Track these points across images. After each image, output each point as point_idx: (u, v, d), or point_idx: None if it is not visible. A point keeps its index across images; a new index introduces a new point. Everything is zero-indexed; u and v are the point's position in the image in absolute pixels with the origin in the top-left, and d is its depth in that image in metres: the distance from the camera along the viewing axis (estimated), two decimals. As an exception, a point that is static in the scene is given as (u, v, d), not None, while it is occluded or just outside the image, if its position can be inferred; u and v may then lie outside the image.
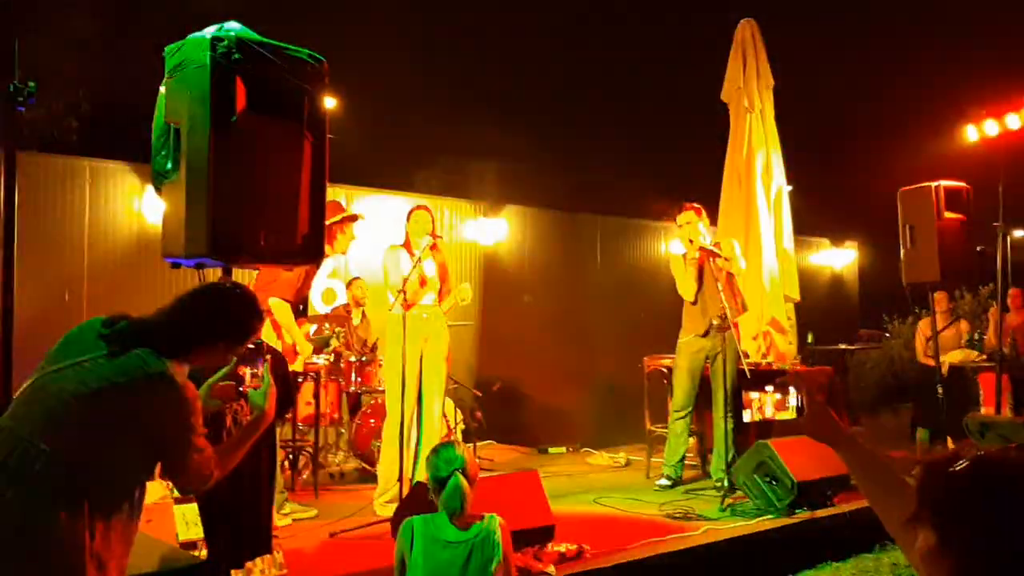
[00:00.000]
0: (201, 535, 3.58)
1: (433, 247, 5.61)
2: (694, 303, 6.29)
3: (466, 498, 3.06)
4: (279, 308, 5.09)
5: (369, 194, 8.51)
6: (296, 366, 5.44)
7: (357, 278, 7.57)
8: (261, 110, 3.07)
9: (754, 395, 1.61)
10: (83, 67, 11.10)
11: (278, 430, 5.02)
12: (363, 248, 7.69)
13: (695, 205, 6.31)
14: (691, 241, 6.21)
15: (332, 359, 6.94)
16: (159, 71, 3.20)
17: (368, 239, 7.80)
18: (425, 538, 3.06)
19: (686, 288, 6.29)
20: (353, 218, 5.44)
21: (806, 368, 7.26)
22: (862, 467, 1.82)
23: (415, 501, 3.41)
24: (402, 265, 5.51)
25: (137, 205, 6.96)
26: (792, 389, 1.89)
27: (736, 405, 1.68)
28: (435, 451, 3.24)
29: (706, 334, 6.20)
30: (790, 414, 1.67)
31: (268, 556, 3.70)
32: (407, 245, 5.65)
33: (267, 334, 5.13)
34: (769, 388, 1.61)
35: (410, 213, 5.78)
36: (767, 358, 7.54)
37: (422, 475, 4.06)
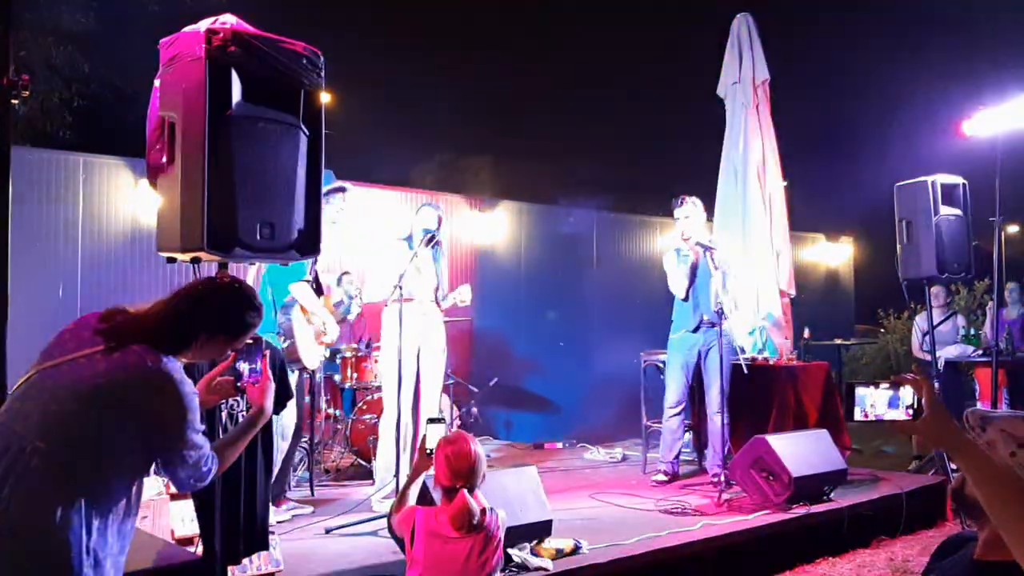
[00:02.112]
0: (197, 531, 3.56)
1: (435, 243, 5.60)
2: (685, 300, 6.28)
3: (472, 517, 3.03)
4: (301, 290, 5.15)
5: (365, 189, 8.46)
6: (326, 347, 5.53)
7: (346, 272, 7.53)
8: (257, 104, 3.05)
9: (864, 391, 1.55)
10: (77, 62, 11.06)
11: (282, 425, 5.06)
12: (358, 244, 7.68)
13: (694, 199, 6.29)
14: (685, 238, 6.19)
15: (327, 355, 6.91)
16: (153, 65, 3.18)
17: (362, 235, 7.79)
18: (426, 532, 3.04)
19: (678, 285, 6.27)
20: (340, 189, 5.44)
21: (803, 363, 7.26)
22: (989, 480, 1.63)
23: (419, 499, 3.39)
24: (399, 259, 5.49)
25: (131, 200, 6.92)
26: (908, 388, 1.76)
27: (847, 402, 1.62)
28: (448, 442, 3.18)
29: (696, 329, 6.20)
30: (901, 415, 1.59)
31: (264, 552, 3.69)
32: (410, 240, 5.63)
33: (298, 318, 5.19)
34: (884, 385, 1.55)
35: (418, 209, 5.77)
36: (763, 353, 7.54)
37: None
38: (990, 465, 1.66)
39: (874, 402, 1.78)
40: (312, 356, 5.38)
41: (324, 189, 5.21)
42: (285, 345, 5.16)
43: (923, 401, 1.71)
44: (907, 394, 1.74)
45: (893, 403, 1.76)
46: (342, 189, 5.47)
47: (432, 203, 5.85)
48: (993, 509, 1.63)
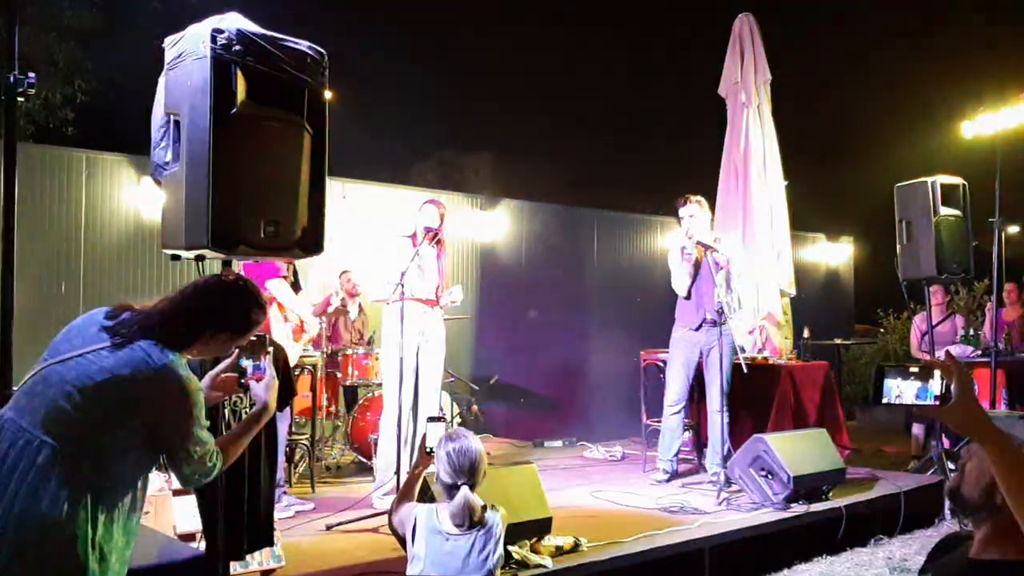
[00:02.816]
0: (199, 527, 3.58)
1: (437, 242, 5.63)
2: (687, 298, 6.30)
3: (473, 513, 3.06)
4: (279, 287, 5.17)
5: (366, 187, 8.49)
6: (304, 343, 5.53)
7: (346, 271, 7.55)
8: (261, 102, 3.06)
9: (894, 380, 1.54)
10: (79, 58, 11.07)
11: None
12: (357, 241, 7.70)
13: (699, 198, 6.31)
14: (689, 236, 6.20)
15: (328, 352, 6.95)
16: (155, 62, 3.20)
17: (363, 232, 7.81)
18: (427, 530, 3.07)
19: (680, 283, 6.29)
20: None
21: (802, 363, 7.29)
22: (1013, 469, 1.63)
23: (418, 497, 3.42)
24: (402, 257, 5.51)
25: (133, 197, 6.95)
26: (937, 374, 1.75)
27: (876, 387, 1.62)
28: (449, 439, 3.20)
29: (698, 328, 6.22)
30: (928, 403, 1.58)
31: (266, 548, 3.72)
32: (413, 237, 5.65)
33: (275, 316, 5.20)
34: (913, 369, 1.54)
35: (420, 207, 5.78)
36: (762, 352, 7.57)
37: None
38: (1016, 454, 1.65)
39: (901, 392, 1.78)
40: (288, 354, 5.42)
41: None
42: None
43: (952, 387, 1.70)
44: (935, 383, 1.74)
45: (921, 393, 1.76)
46: None
47: (434, 200, 5.85)
48: (1016, 498, 1.63)
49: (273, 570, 3.81)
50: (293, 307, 5.37)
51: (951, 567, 1.97)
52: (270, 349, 2.59)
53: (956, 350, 8.18)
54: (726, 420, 6.09)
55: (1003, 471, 1.65)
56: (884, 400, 1.79)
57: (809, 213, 11.46)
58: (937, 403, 1.74)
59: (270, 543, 3.55)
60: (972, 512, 1.85)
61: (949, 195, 6.48)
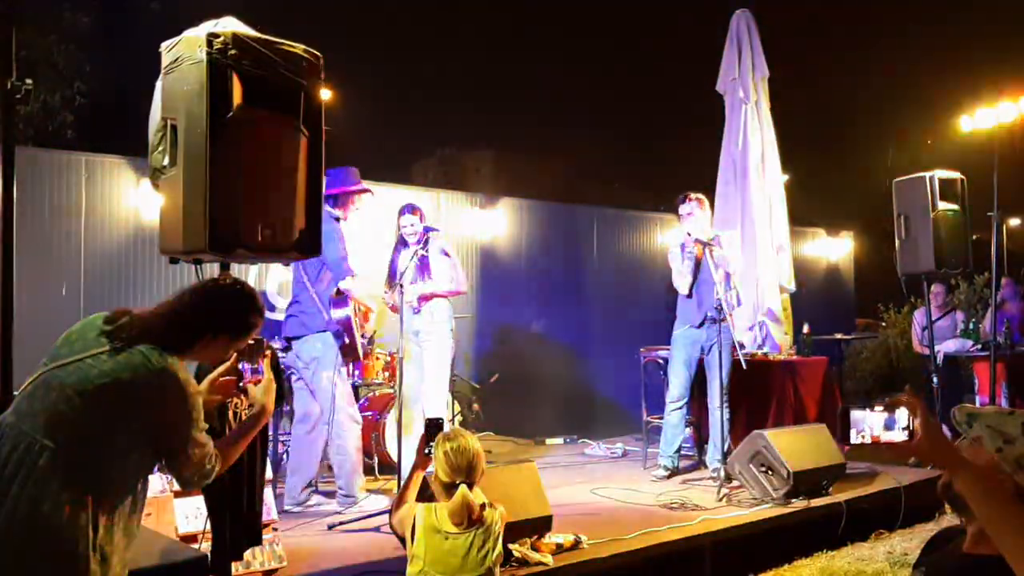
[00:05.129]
0: (201, 528, 3.60)
1: (423, 244, 5.69)
2: (688, 296, 6.32)
3: (471, 512, 3.08)
4: (353, 284, 5.24)
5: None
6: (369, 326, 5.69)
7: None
8: (257, 106, 3.07)
9: (860, 414, 1.53)
10: (78, 60, 11.09)
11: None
12: (358, 241, 7.71)
13: (699, 196, 6.33)
14: (688, 233, 6.22)
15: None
16: (154, 65, 3.21)
17: (363, 232, 7.82)
18: (426, 528, 3.09)
19: (681, 281, 6.31)
20: (365, 190, 5.52)
21: (802, 358, 7.29)
22: (984, 497, 1.65)
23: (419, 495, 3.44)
24: (401, 261, 5.60)
25: (133, 199, 6.95)
26: (903, 410, 1.76)
27: (843, 425, 1.60)
28: (447, 439, 3.23)
29: (700, 325, 6.24)
30: (897, 436, 1.57)
31: (268, 549, 3.73)
32: (397, 245, 5.76)
33: (353, 313, 5.29)
34: (878, 408, 1.54)
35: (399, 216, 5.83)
36: (762, 348, 7.57)
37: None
38: (986, 481, 1.68)
39: (871, 424, 1.77)
40: (361, 346, 5.52)
41: (356, 188, 5.38)
42: (346, 342, 5.19)
43: (917, 422, 1.72)
44: (902, 415, 1.75)
45: (889, 424, 1.76)
46: (366, 190, 5.58)
47: (407, 207, 5.88)
48: (990, 525, 1.66)
49: (275, 570, 3.83)
50: (363, 298, 5.43)
51: (943, 561, 1.98)
52: (267, 353, 2.61)
53: (956, 344, 8.20)
54: (727, 416, 6.10)
55: (975, 500, 1.67)
56: (854, 440, 1.78)
57: (808, 208, 11.48)
58: (906, 436, 1.75)
59: (259, 542, 3.56)
60: (963, 508, 1.86)
61: (947, 189, 6.48)
